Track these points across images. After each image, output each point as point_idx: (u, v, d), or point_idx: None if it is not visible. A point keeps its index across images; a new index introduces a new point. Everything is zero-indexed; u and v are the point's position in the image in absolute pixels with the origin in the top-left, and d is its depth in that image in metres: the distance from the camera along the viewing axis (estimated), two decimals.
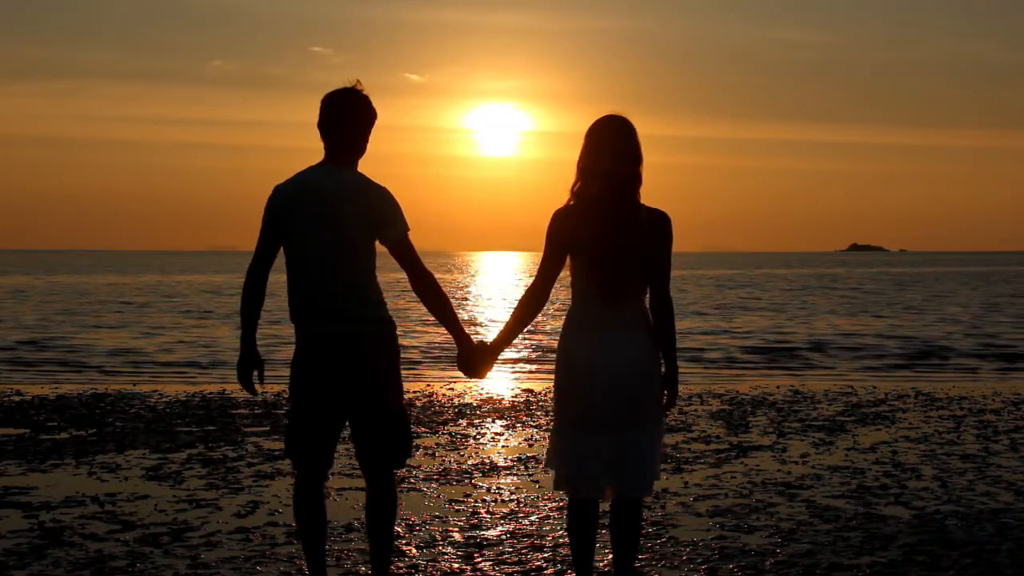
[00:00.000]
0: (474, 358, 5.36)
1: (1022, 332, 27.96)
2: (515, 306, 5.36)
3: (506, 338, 5.35)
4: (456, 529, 7.10)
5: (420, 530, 7.07)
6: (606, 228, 5.09)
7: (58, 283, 65.85)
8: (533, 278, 5.29)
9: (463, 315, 32.75)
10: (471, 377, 5.43)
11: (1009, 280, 73.71)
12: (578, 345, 5.15)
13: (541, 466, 9.23)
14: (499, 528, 7.16)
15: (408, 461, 5.67)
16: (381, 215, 5.22)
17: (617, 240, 5.09)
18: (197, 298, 47.03)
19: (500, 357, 5.51)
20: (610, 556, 6.22)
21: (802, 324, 30.46)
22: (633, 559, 5.35)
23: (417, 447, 10.31)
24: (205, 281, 71.42)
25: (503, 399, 13.77)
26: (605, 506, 5.37)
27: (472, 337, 5.40)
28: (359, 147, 5.31)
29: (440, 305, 5.34)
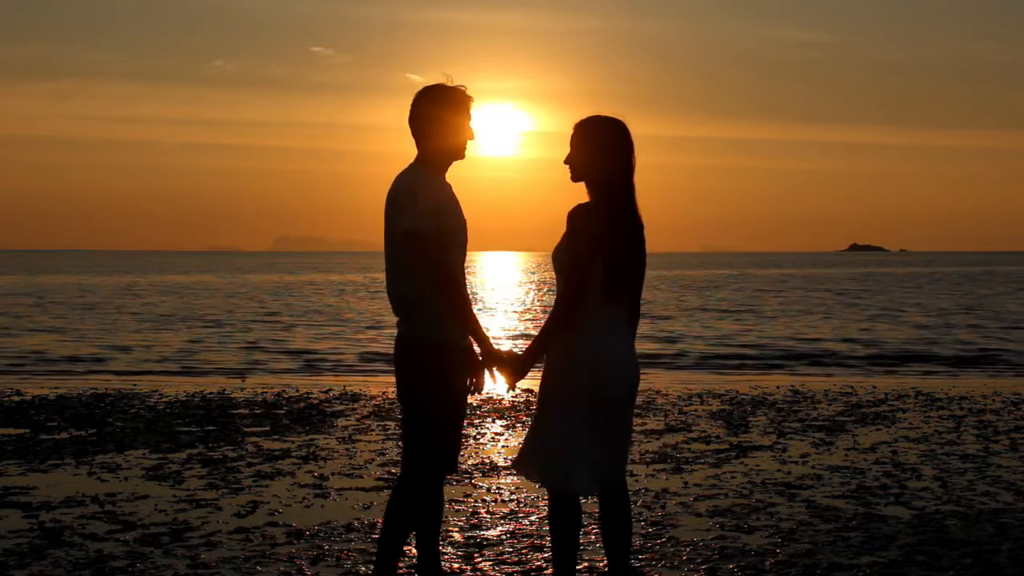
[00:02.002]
0: (500, 369, 5.26)
1: (948, 334, 27.95)
2: (552, 316, 5.20)
3: (539, 350, 5.29)
4: (456, 529, 7.10)
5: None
6: (631, 233, 5.22)
7: (37, 284, 65.79)
8: (568, 284, 5.14)
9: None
10: (508, 384, 5.25)
11: (1001, 281, 73.68)
12: (593, 345, 5.18)
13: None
14: (499, 528, 7.16)
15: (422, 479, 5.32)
16: (392, 208, 5.14)
17: (637, 245, 5.24)
18: (147, 300, 46.86)
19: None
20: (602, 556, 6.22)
21: (744, 329, 29.97)
22: (629, 552, 5.36)
23: None
24: (189, 281, 71.43)
25: (503, 399, 13.77)
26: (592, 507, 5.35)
27: (493, 344, 5.26)
28: (418, 144, 5.25)
29: (452, 311, 5.13)
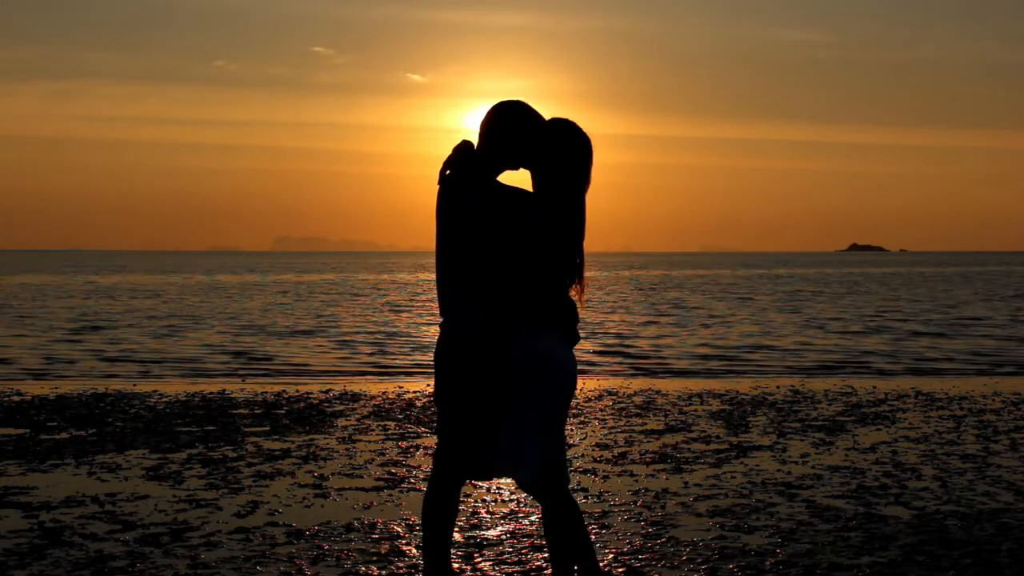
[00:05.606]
0: None
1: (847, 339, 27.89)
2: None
3: None
4: (456, 529, 7.09)
5: (420, 530, 7.06)
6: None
7: (9, 284, 65.82)
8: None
9: None
10: None
11: (966, 282, 73.67)
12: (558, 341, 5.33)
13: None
14: (499, 528, 7.16)
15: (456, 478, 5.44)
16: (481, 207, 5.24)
17: None
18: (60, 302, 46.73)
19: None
20: (596, 556, 6.22)
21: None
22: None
23: (417, 447, 10.31)
24: (151, 282, 71.44)
25: None
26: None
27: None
28: (487, 150, 5.32)
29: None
